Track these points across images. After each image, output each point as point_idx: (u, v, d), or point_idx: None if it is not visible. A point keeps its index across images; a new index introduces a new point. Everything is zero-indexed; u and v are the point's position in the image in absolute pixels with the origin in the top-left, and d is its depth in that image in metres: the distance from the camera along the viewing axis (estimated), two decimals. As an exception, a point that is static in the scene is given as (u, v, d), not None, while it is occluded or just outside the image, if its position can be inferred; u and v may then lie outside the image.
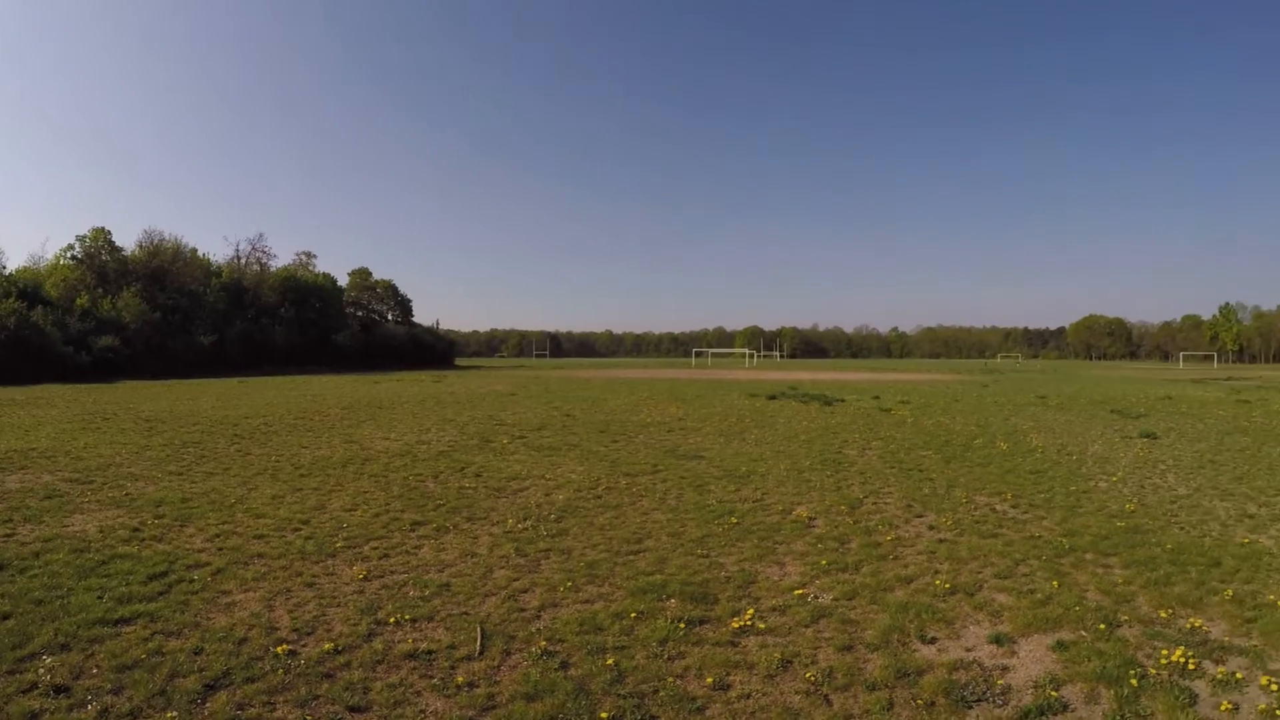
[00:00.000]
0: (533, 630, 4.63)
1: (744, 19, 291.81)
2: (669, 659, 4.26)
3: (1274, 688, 4.01)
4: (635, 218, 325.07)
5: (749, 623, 4.89)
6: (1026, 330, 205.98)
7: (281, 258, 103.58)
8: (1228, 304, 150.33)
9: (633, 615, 4.90)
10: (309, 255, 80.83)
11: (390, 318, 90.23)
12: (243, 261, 69.99)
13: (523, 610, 5.00)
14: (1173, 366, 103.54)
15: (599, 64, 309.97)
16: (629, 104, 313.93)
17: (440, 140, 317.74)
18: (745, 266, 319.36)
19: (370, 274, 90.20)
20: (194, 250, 62.57)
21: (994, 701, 3.89)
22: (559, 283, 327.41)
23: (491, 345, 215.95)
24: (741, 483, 9.86)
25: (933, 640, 4.68)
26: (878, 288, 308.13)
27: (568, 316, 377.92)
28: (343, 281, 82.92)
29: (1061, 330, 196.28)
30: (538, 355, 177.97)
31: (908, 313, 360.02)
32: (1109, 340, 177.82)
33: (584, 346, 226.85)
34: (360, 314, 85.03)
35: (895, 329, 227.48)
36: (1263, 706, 3.83)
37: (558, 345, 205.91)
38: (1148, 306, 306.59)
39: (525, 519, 7.64)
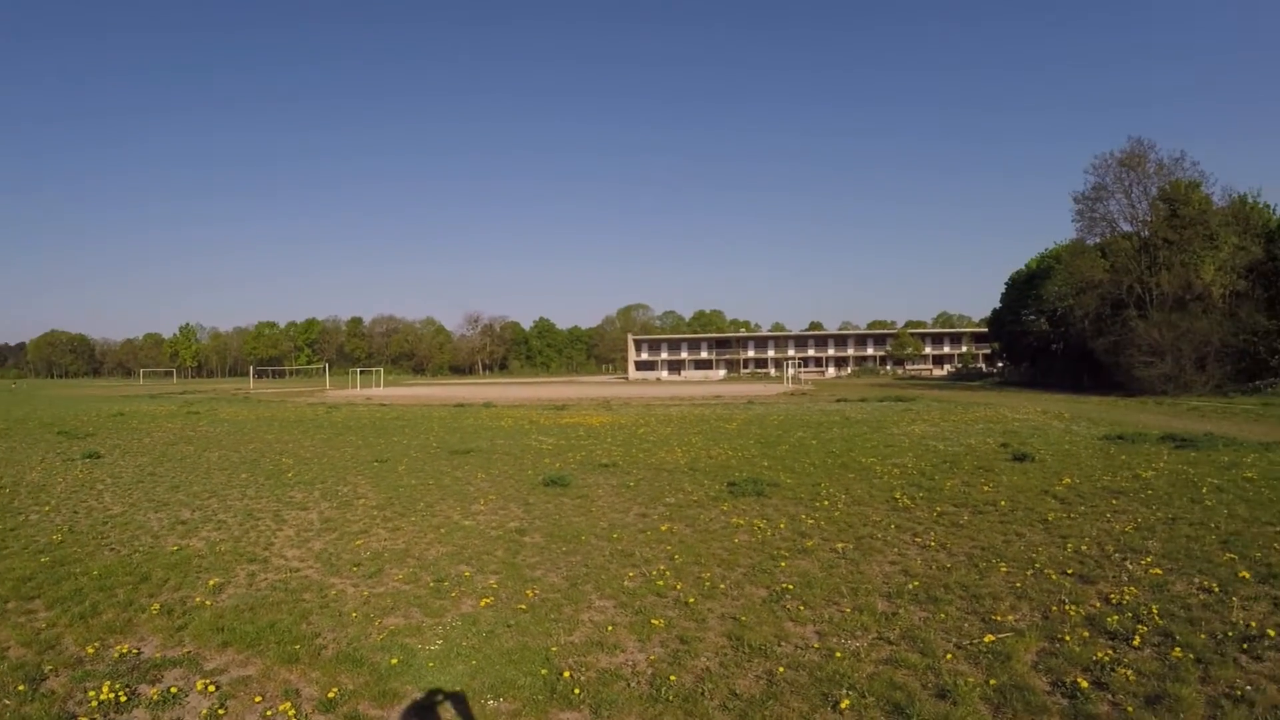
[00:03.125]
0: None
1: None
2: None
3: (211, 689, 4.04)
4: None
5: None
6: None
7: None
8: (188, 324, 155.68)
9: None
10: None
11: None
12: None
13: None
14: (135, 383, 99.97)
15: None
16: None
17: None
18: None
19: None
20: None
21: None
22: None
23: None
24: None
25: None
26: None
27: None
28: None
29: (22, 346, 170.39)
30: None
31: None
32: (72, 357, 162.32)
33: None
34: None
35: None
36: (205, 711, 3.80)
37: None
38: (111, 324, 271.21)
39: None
